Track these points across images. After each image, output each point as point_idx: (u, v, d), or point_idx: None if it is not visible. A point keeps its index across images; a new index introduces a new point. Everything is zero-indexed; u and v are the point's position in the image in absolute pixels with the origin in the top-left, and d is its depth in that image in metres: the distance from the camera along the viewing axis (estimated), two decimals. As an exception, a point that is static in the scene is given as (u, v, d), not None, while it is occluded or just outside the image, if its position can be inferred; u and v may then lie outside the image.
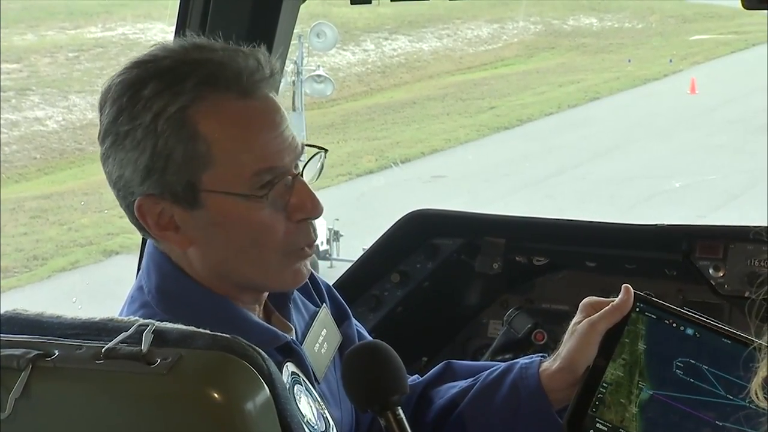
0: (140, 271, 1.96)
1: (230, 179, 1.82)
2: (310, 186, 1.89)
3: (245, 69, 1.82)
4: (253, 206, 1.83)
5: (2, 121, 19.28)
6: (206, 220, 1.84)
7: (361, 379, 1.80)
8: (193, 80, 1.80)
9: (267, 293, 1.99)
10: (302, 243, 1.89)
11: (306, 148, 1.93)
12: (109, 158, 1.85)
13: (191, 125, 1.80)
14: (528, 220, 3.13)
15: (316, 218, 1.90)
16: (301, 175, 1.88)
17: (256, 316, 1.95)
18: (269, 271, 1.88)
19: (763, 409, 1.41)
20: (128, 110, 1.81)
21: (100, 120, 1.86)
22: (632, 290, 2.05)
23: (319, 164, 1.96)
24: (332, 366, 2.07)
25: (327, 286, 2.21)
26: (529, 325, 2.96)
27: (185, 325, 1.53)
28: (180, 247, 1.87)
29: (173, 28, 2.58)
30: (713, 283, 2.87)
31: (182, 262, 1.90)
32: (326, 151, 1.97)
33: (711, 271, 2.87)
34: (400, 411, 1.73)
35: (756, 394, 1.40)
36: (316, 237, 1.92)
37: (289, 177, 1.86)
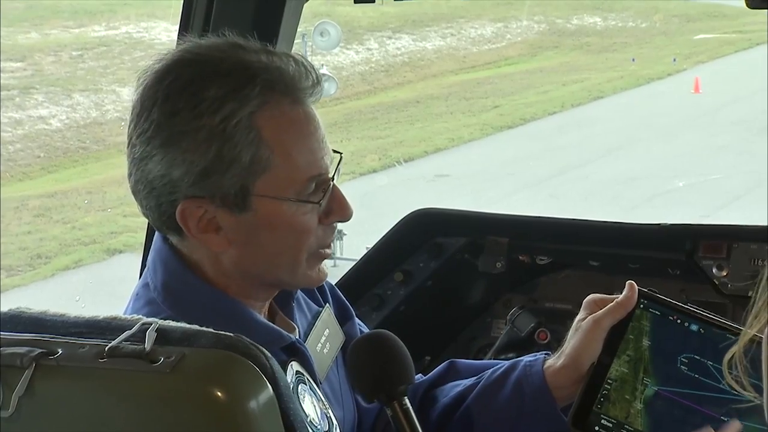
0: (146, 268, 1.96)
1: (285, 184, 1.84)
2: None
3: (297, 76, 1.85)
4: (300, 210, 1.86)
5: (6, 120, 19.28)
6: (252, 223, 1.85)
7: (367, 369, 1.80)
8: (259, 85, 1.81)
9: (270, 295, 2.00)
10: (326, 244, 1.93)
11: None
12: (154, 157, 1.81)
13: (257, 130, 1.81)
14: (531, 219, 3.13)
15: (348, 221, 1.94)
16: (334, 180, 1.92)
17: (261, 316, 1.95)
18: (299, 270, 1.91)
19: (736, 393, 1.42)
20: (188, 110, 1.79)
21: (140, 119, 1.83)
22: (636, 287, 2.05)
23: (338, 169, 1.99)
24: (335, 366, 2.08)
25: (330, 285, 2.21)
26: (532, 325, 2.96)
27: (190, 322, 1.53)
28: (218, 248, 1.87)
29: (177, 27, 2.58)
30: (716, 283, 2.87)
31: (205, 261, 1.89)
32: (341, 154, 1.98)
33: (714, 270, 2.87)
34: (407, 401, 1.74)
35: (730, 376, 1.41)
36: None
37: (329, 182, 1.89)
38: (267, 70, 1.83)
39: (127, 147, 1.87)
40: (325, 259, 1.96)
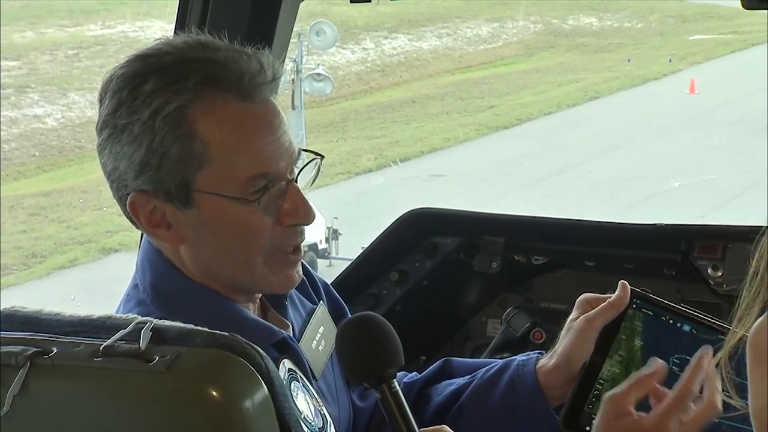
0: (135, 269, 1.96)
1: (224, 181, 1.81)
2: (303, 192, 1.88)
3: (247, 71, 1.82)
4: (245, 209, 1.82)
5: (2, 119, 19.27)
6: (197, 219, 1.84)
7: (355, 352, 1.77)
8: (194, 79, 1.79)
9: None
10: (288, 247, 1.88)
11: (304, 153, 1.93)
12: (105, 150, 1.84)
13: (189, 124, 1.79)
14: (527, 219, 3.13)
15: (307, 224, 1.90)
16: (296, 181, 1.88)
17: (252, 312, 1.95)
18: (255, 272, 1.87)
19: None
20: (127, 104, 1.80)
21: (99, 111, 1.86)
22: (629, 287, 2.05)
23: (315, 171, 1.95)
24: (330, 363, 2.07)
25: (324, 283, 2.21)
26: (527, 324, 2.96)
27: (180, 322, 1.53)
28: (171, 245, 1.88)
29: (173, 26, 2.57)
30: (712, 283, 2.86)
31: (174, 258, 1.90)
32: (322, 157, 1.97)
33: (710, 270, 2.87)
34: (396, 384, 1.71)
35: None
36: (303, 241, 1.91)
37: (283, 182, 1.85)
38: (208, 65, 1.81)
39: None
40: (292, 264, 1.90)
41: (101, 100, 1.86)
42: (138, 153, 1.80)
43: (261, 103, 1.85)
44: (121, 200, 1.87)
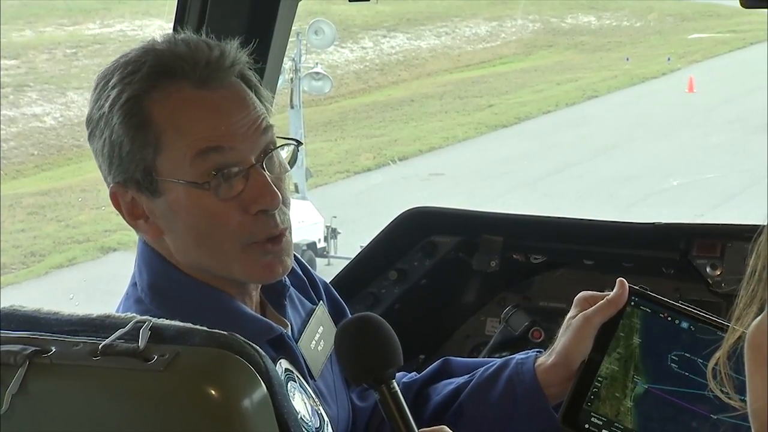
0: (133, 269, 1.97)
1: (177, 165, 1.82)
2: (269, 177, 1.85)
3: (203, 59, 1.84)
4: (200, 194, 1.82)
5: (0, 118, 19.26)
6: (166, 207, 1.85)
7: (354, 353, 1.77)
8: (147, 69, 1.82)
9: (254, 286, 1.98)
10: (261, 235, 1.86)
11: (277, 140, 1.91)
12: (90, 144, 1.90)
13: (145, 113, 1.82)
14: (526, 218, 3.13)
15: (274, 210, 1.86)
16: (263, 167, 1.86)
17: (250, 309, 1.95)
18: (232, 262, 1.87)
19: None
20: (98, 101, 1.86)
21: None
22: (627, 284, 2.05)
23: (289, 155, 1.94)
24: (329, 363, 2.07)
25: (324, 283, 2.21)
26: (526, 323, 2.96)
27: (177, 319, 1.53)
28: (151, 236, 1.90)
29: (171, 25, 2.57)
30: (710, 282, 2.87)
31: (164, 252, 1.91)
32: (299, 143, 1.96)
33: (708, 269, 2.87)
34: (395, 384, 1.71)
35: (714, 377, 1.39)
36: (280, 230, 1.88)
37: (242, 166, 1.84)
38: (162, 55, 1.84)
39: None
40: (269, 254, 1.87)
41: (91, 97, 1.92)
42: (106, 146, 1.85)
43: (220, 88, 1.86)
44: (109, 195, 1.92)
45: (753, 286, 1.32)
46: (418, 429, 1.69)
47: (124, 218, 1.91)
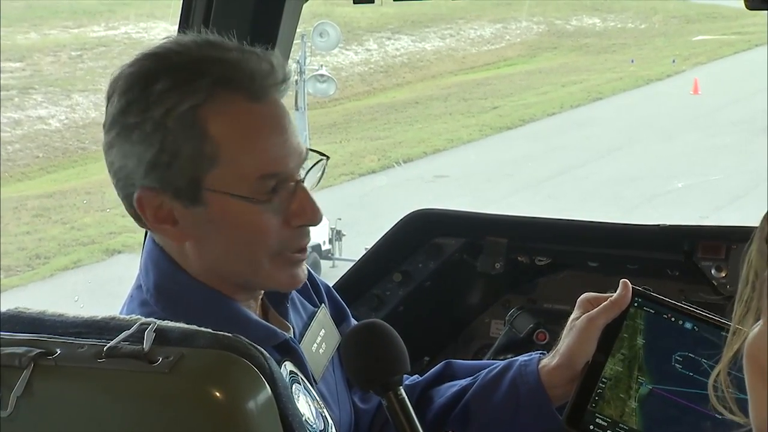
0: (139, 270, 1.96)
1: (234, 181, 1.82)
2: (310, 192, 1.89)
3: (258, 72, 1.82)
4: (254, 209, 1.83)
5: (5, 120, 19.29)
6: (205, 217, 1.84)
7: (361, 359, 1.78)
8: (207, 79, 1.80)
9: (262, 291, 1.99)
10: (294, 247, 1.89)
11: (309, 153, 1.93)
12: (113, 148, 1.84)
13: (201, 124, 1.80)
14: (530, 220, 3.13)
15: (315, 225, 1.90)
16: (303, 182, 1.88)
17: (254, 313, 1.95)
18: (261, 271, 1.88)
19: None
20: (138, 103, 1.80)
21: (107, 110, 1.86)
22: (630, 285, 2.05)
23: (320, 172, 1.95)
24: (331, 366, 2.07)
25: (326, 286, 2.21)
26: (531, 325, 2.96)
27: (183, 322, 1.53)
28: (176, 242, 1.88)
29: (176, 27, 2.58)
30: (715, 284, 2.86)
31: (178, 256, 1.90)
32: (328, 158, 1.97)
33: (713, 271, 2.86)
34: (402, 391, 1.71)
35: (714, 384, 1.37)
36: (309, 242, 1.91)
37: (292, 183, 1.86)
38: (221, 65, 1.82)
39: None
40: (297, 263, 1.91)
41: (109, 99, 1.85)
42: (149, 151, 1.80)
43: (271, 103, 1.85)
44: (126, 198, 1.87)
45: (747, 296, 1.30)
46: None
47: (143, 221, 1.87)
